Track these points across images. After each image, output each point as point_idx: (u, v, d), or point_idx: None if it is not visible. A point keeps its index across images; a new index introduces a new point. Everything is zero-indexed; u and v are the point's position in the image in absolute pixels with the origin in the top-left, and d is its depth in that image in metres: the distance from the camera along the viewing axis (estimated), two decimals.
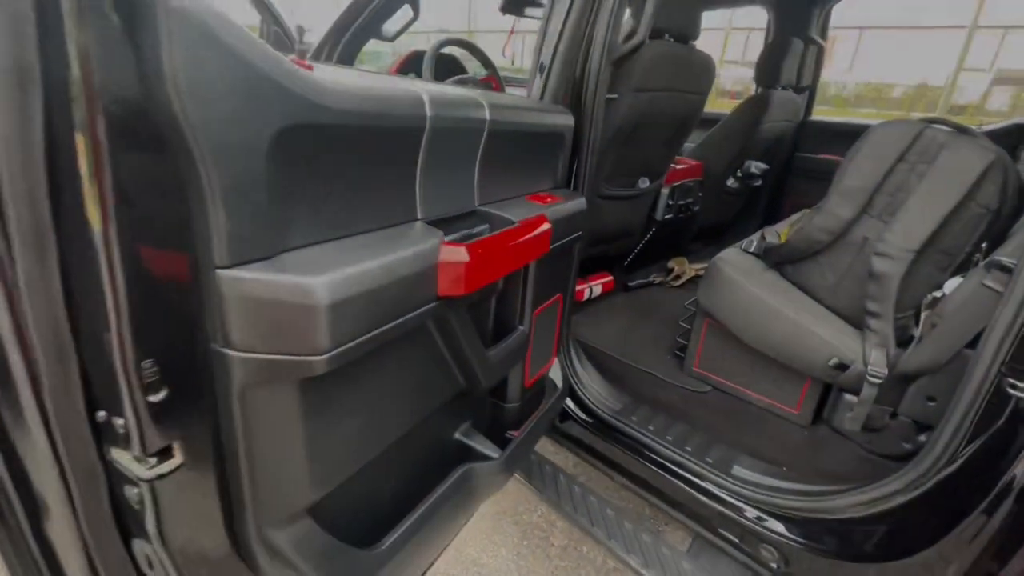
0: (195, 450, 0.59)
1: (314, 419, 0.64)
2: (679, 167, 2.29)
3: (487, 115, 0.85)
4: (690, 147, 2.63)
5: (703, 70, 1.79)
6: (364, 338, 0.61)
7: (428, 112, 0.71)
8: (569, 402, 1.51)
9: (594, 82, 1.23)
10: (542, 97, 1.20)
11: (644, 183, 1.97)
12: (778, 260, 1.48)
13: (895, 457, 1.26)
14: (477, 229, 0.92)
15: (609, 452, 1.41)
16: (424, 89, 0.73)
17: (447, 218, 0.84)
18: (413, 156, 0.72)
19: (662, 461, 1.32)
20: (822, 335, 1.29)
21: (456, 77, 2.03)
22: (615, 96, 1.46)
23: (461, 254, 0.71)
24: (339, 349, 0.57)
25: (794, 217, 1.91)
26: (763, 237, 1.57)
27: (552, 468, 1.54)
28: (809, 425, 1.45)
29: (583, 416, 1.48)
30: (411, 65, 2.32)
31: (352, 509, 0.81)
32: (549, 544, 1.59)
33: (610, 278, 2.24)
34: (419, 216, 0.77)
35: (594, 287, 2.18)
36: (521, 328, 1.08)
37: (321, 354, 0.56)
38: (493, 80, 2.11)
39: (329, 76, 0.59)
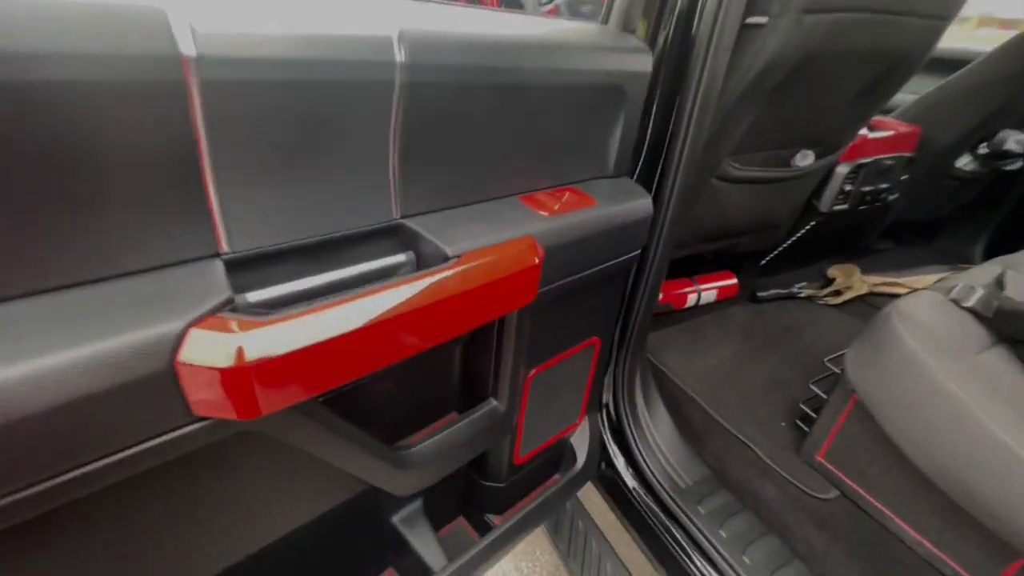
0: None
1: None
2: (875, 135, 1.53)
3: (398, 56, 0.43)
4: (904, 100, 1.78)
5: None
6: None
7: (194, 51, 0.33)
8: (620, 458, 1.11)
9: None
10: (606, 21, 0.70)
11: (805, 159, 1.31)
12: (1021, 336, 0.83)
13: None
14: (395, 261, 0.54)
15: (662, 539, 1.01)
16: (193, 6, 0.34)
17: (324, 242, 0.47)
18: (179, 140, 0.36)
19: None
20: None
21: None
22: (761, 21, 0.87)
23: (227, 351, 0.35)
24: None
25: None
26: (999, 283, 0.90)
27: (584, 526, 1.20)
28: None
29: (635, 485, 1.08)
30: None
31: None
32: None
33: (733, 281, 1.66)
34: (224, 249, 0.41)
35: (704, 292, 1.63)
36: (493, 403, 0.69)
37: None
38: None
39: None
